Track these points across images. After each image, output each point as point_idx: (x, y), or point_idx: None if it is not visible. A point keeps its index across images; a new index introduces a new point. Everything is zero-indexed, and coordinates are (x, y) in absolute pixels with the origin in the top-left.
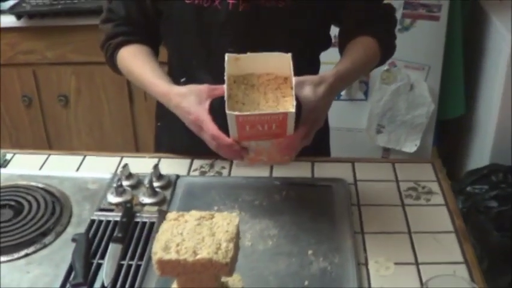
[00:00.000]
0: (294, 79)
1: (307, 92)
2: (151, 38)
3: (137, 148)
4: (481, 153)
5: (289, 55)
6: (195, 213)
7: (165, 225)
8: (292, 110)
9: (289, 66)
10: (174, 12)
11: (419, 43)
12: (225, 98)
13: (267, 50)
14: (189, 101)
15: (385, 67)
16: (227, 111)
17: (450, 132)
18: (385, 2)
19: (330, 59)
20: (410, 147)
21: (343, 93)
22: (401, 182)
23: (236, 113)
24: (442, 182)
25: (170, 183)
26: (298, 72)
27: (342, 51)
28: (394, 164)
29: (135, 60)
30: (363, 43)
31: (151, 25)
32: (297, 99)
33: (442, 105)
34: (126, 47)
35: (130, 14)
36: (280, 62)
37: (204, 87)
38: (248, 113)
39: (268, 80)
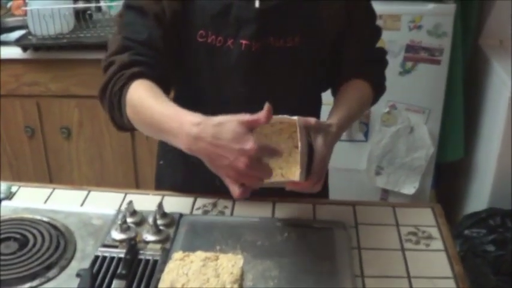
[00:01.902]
0: (311, 119)
1: (320, 142)
2: (166, 74)
3: (137, 182)
4: (479, 197)
5: (295, 118)
6: (200, 254)
7: (171, 265)
8: (297, 179)
9: (297, 131)
10: (186, 50)
11: (420, 86)
12: None
13: (276, 88)
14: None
15: (385, 109)
16: None
17: (449, 175)
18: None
19: (329, 100)
20: (409, 189)
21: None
22: (401, 226)
23: None
24: (442, 227)
25: (173, 221)
26: (302, 109)
27: (334, 91)
28: (395, 208)
29: (156, 96)
30: (357, 88)
31: (168, 61)
32: (310, 144)
33: (441, 148)
34: (142, 80)
35: (153, 39)
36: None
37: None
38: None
39: (280, 129)
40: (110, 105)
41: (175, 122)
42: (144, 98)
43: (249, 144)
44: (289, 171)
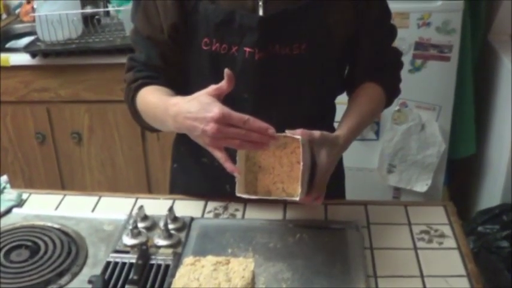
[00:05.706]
0: (315, 133)
1: (323, 156)
2: (172, 83)
3: (149, 186)
4: (492, 193)
5: (299, 138)
6: (211, 259)
7: (182, 270)
8: (297, 198)
9: (300, 150)
10: (191, 58)
11: (430, 83)
12: (237, 158)
13: (283, 95)
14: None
15: (396, 107)
16: (237, 194)
17: (461, 172)
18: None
19: (345, 100)
20: (422, 186)
21: None
22: (413, 225)
23: (246, 196)
24: (455, 225)
25: (185, 225)
26: (316, 116)
27: (349, 94)
28: (407, 207)
29: (154, 93)
30: (369, 94)
31: (172, 72)
32: (313, 158)
33: (453, 145)
34: (146, 87)
35: (151, 58)
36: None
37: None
38: (256, 197)
39: (284, 143)
40: (133, 115)
41: (162, 108)
42: (146, 99)
43: (214, 111)
44: (290, 187)
